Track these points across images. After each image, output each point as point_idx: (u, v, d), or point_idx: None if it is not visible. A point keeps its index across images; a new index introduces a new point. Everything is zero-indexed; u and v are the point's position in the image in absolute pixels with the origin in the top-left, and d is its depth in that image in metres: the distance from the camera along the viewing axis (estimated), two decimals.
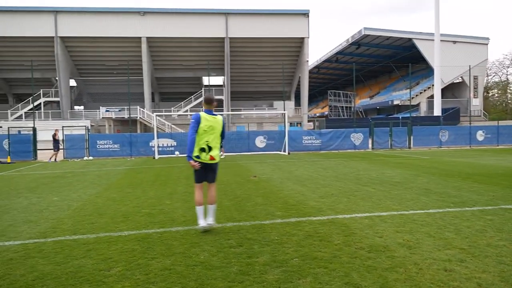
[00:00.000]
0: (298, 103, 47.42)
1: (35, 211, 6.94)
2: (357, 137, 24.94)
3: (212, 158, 5.18)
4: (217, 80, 50.53)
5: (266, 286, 3.41)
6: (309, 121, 49.38)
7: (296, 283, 3.46)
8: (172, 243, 4.74)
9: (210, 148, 5.15)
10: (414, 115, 49.20)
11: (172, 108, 43.85)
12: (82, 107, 47.79)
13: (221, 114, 40.57)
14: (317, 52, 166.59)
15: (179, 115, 41.55)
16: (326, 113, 58.41)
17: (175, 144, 23.10)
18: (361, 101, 69.47)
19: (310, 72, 68.39)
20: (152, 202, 7.54)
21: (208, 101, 5.32)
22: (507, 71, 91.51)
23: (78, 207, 7.26)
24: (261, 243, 4.67)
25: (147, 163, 17.40)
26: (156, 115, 24.16)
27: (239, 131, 28.40)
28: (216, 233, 5.14)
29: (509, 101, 70.05)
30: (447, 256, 4.08)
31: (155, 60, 43.39)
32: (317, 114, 75.78)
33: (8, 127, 22.41)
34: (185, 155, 6.22)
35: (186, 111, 42.63)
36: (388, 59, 61.04)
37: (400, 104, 53.07)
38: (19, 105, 42.45)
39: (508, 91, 70.35)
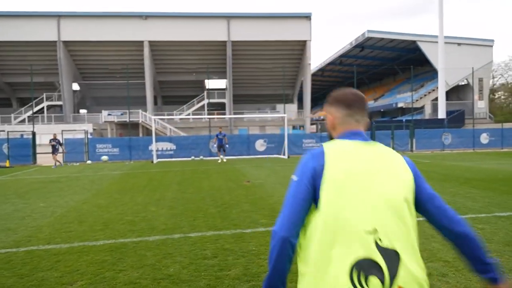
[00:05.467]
0: (301, 106, 47.17)
1: (17, 218, 6.80)
2: None
3: None
4: (219, 83, 50.51)
5: None
6: (312, 124, 49.14)
7: None
8: (145, 254, 4.56)
9: (389, 256, 1.30)
10: (419, 118, 48.75)
11: (174, 112, 43.83)
12: (85, 111, 47.95)
13: (223, 118, 40.72)
14: (321, 55, 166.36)
15: (181, 118, 41.49)
16: None
17: (175, 148, 22.98)
18: None
19: (315, 75, 68.17)
20: (137, 208, 7.37)
21: (351, 100, 1.58)
22: None
23: (61, 214, 7.11)
24: (237, 254, 4.48)
25: (144, 167, 17.28)
26: (155, 119, 24.07)
27: (238, 135, 28.25)
28: (193, 243, 4.96)
29: None
30: (428, 269, 3.85)
31: (157, 63, 43.43)
32: (322, 117, 75.50)
33: (8, 131, 22.42)
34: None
35: (189, 114, 42.56)
36: (392, 61, 60.62)
37: (404, 106, 52.59)
38: (22, 109, 42.63)
39: None
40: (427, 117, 51.31)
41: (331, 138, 1.64)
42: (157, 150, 21.85)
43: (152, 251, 4.66)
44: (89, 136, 25.76)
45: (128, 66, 36.02)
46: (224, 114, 42.51)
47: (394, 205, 1.39)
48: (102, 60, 42.06)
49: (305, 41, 41.29)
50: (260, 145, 23.84)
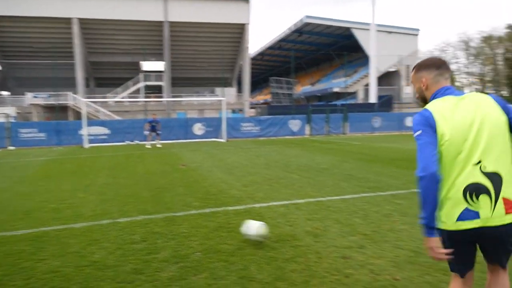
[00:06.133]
0: (240, 89, 47.19)
1: None
2: (295, 124, 25.30)
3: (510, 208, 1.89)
4: (157, 65, 48.80)
5: (157, 285, 3.21)
6: (251, 108, 49.46)
7: (190, 280, 3.29)
8: (69, 242, 4.37)
9: (497, 182, 1.88)
10: (352, 102, 51.03)
11: (108, 94, 41.76)
12: (8, 93, 44.03)
13: (161, 101, 39.60)
14: (262, 39, 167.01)
15: (115, 101, 39.64)
16: (269, 99, 58.86)
17: (109, 132, 21.98)
18: (304, 88, 70.80)
19: (254, 59, 68.35)
20: (63, 195, 7.00)
21: (439, 63, 2.11)
22: None
23: None
24: (167, 237, 4.45)
25: (74, 153, 16.37)
26: (87, 101, 22.78)
27: (176, 118, 27.70)
28: (121, 228, 4.83)
29: None
30: (349, 242, 4.11)
31: (89, 43, 40.87)
32: (261, 101, 76.21)
33: None
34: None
35: (124, 97, 40.80)
36: (329, 47, 62.48)
37: (339, 91, 54.68)
38: None
39: None
40: (360, 101, 53.83)
41: (424, 100, 2.13)
42: (89, 135, 20.75)
43: (77, 239, 4.47)
44: (12, 120, 23.80)
45: (56, 45, 33.67)
46: (162, 97, 41.34)
47: (499, 129, 1.91)
48: (26, 37, 38.68)
49: (243, 24, 41.10)
50: (198, 128, 23.58)
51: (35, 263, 3.77)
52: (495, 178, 1.85)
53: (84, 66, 40.59)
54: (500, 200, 1.85)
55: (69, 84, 38.31)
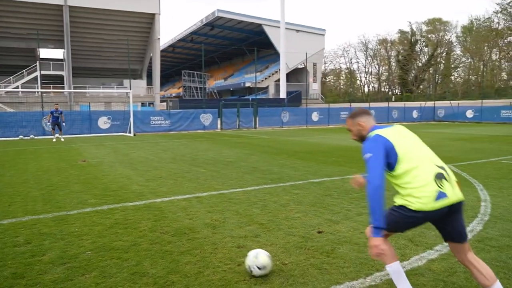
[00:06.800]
0: (151, 82, 45.61)
1: None
2: (206, 118, 25.26)
3: (458, 183, 2.55)
4: (56, 53, 44.93)
5: None
6: (162, 101, 48.16)
7: (77, 280, 3.13)
8: None
9: (443, 168, 2.50)
10: (263, 97, 52.46)
11: None
12: None
13: (61, 92, 36.56)
14: (172, 31, 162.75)
15: (7, 91, 35.62)
16: (182, 93, 57.85)
17: None
18: (216, 82, 70.90)
19: (165, 50, 66.52)
20: None
21: (366, 111, 2.82)
22: (340, 60, 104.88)
23: None
24: (55, 237, 4.17)
25: None
26: None
27: (78, 111, 25.83)
28: (3, 231, 4.40)
29: (342, 86, 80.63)
30: (245, 232, 4.26)
31: None
32: (173, 94, 74.58)
33: None
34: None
35: (17, 87, 36.82)
36: (241, 42, 63.34)
37: (251, 86, 55.85)
38: None
39: (341, 77, 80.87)
40: (270, 96, 55.60)
41: (361, 138, 2.71)
42: None
43: None
44: None
45: None
46: (63, 88, 38.20)
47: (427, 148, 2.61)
48: None
49: (153, 14, 39.72)
50: (103, 122, 22.29)
51: None
52: (444, 169, 2.47)
53: None
54: (454, 183, 2.46)
55: None
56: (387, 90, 72.69)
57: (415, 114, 35.37)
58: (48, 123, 18.24)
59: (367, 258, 3.51)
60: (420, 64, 65.38)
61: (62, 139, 17.78)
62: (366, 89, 76.56)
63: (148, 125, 23.27)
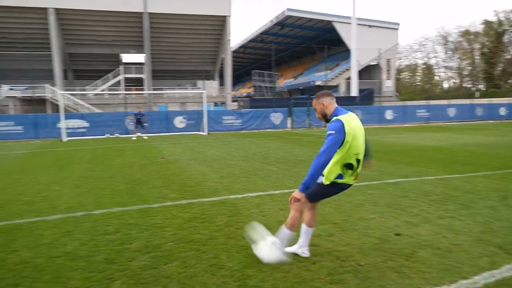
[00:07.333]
0: (223, 82, 47.03)
1: None
2: (276, 117, 25.43)
3: (357, 177, 3.47)
4: (137, 57, 48.17)
5: (128, 274, 3.27)
6: (234, 101, 49.37)
7: (161, 268, 3.36)
8: (42, 233, 4.37)
9: (358, 163, 3.36)
10: (334, 96, 51.30)
11: (87, 87, 41.05)
12: None
13: (141, 94, 39.13)
14: (243, 32, 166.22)
15: (95, 94, 39.01)
16: (252, 93, 58.87)
17: (88, 125, 21.67)
18: (286, 82, 71.01)
19: (236, 51, 68.14)
20: (38, 188, 6.94)
21: (330, 94, 3.51)
22: (416, 55, 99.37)
23: None
24: (140, 228, 4.49)
25: (52, 146, 16.13)
26: (65, 94, 22.36)
27: (157, 112, 27.47)
28: (96, 220, 4.85)
29: (418, 83, 76.32)
30: (318, 231, 4.24)
31: (66, 34, 39.97)
32: (244, 94, 76.10)
33: None
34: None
35: (103, 90, 40.17)
36: (311, 40, 62.71)
37: (321, 84, 55.03)
38: None
39: (417, 73, 76.56)
40: (341, 95, 54.31)
41: (325, 117, 3.43)
42: (67, 128, 20.44)
43: (50, 230, 4.48)
44: None
45: (32, 36, 32.82)
46: (143, 90, 40.88)
47: (363, 141, 3.41)
48: (0, 28, 37.57)
49: (225, 17, 40.87)
50: (179, 122, 23.47)
51: (6, 254, 3.77)
52: (358, 160, 3.32)
53: (61, 57, 39.74)
54: (356, 172, 3.36)
55: (47, 76, 37.48)
56: (469, 85, 67.34)
57: (502, 111, 32.32)
58: (131, 123, 20.00)
59: (451, 264, 3.31)
60: (509, 57, 59.58)
61: (145, 138, 19.23)
62: (445, 85, 71.68)
63: (220, 124, 24.02)
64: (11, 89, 34.86)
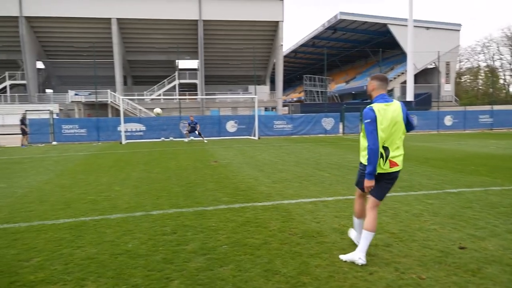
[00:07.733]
0: (273, 87, 47.25)
1: None
2: (328, 122, 25.07)
3: (393, 164, 3.54)
4: (191, 63, 49.77)
5: (185, 274, 3.35)
6: (284, 106, 49.39)
7: (217, 271, 3.41)
8: (105, 231, 4.61)
9: (387, 150, 3.49)
10: None
11: (145, 92, 43.01)
12: (51, 91, 46.25)
13: (195, 99, 40.32)
14: (294, 36, 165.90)
15: (151, 99, 40.77)
16: (303, 97, 58.52)
17: (144, 129, 22.68)
18: (338, 86, 69.84)
19: (287, 56, 68.14)
20: (101, 188, 7.34)
21: (383, 79, 3.62)
22: (478, 58, 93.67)
23: (22, 194, 7.00)
24: (196, 229, 4.60)
25: (112, 148, 17.04)
26: (124, 99, 23.58)
27: (210, 116, 28.12)
28: (153, 220, 5.03)
29: (480, 87, 71.80)
30: (375, 240, 4.09)
31: (126, 42, 42.25)
32: (295, 99, 75.87)
33: None
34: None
35: (159, 95, 41.88)
36: (364, 44, 61.28)
37: None
38: None
39: (479, 77, 72.06)
40: (396, 99, 52.40)
41: (371, 97, 3.63)
42: (126, 131, 21.52)
43: (112, 229, 4.71)
44: (55, 117, 24.99)
45: (95, 44, 34.99)
46: (196, 95, 42.09)
47: (399, 129, 3.51)
48: (67, 37, 40.50)
49: (277, 22, 41.10)
50: (231, 126, 23.86)
51: (74, 250, 4.01)
52: (385, 147, 3.47)
53: (122, 64, 41.99)
54: (388, 160, 3.49)
55: (109, 82, 39.78)
56: None
57: None
58: (185, 129, 21.01)
59: None
60: None
61: (206, 141, 19.98)
62: (511, 90, 66.80)
63: (271, 129, 24.10)
64: (76, 94, 37.35)
